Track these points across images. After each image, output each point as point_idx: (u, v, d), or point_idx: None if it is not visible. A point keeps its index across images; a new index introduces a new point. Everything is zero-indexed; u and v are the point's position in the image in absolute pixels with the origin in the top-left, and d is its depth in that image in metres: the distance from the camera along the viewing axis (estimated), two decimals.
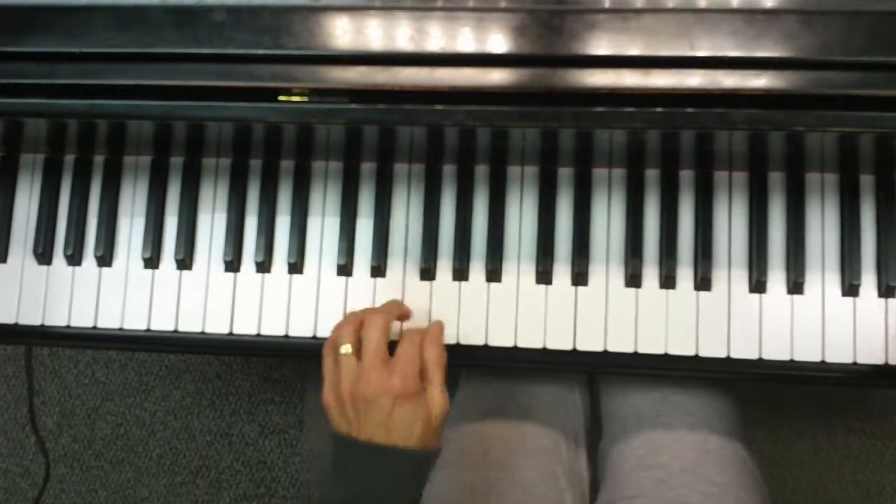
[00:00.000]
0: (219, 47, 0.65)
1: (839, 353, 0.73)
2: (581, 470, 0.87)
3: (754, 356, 0.74)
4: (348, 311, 0.78)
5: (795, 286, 0.74)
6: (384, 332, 0.69)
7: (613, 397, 0.90)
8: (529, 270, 0.77)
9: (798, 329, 0.74)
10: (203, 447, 1.48)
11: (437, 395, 0.68)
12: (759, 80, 0.62)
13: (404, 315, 0.76)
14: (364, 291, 0.78)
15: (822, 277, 0.74)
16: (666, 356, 0.75)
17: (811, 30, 0.61)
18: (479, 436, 0.84)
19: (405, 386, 0.66)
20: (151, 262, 0.80)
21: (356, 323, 0.69)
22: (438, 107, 0.65)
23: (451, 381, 0.95)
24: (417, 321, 0.77)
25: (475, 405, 0.87)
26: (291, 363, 1.47)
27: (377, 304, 0.78)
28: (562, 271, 0.76)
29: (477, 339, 0.77)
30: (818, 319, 0.74)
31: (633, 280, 0.76)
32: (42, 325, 0.81)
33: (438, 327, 0.74)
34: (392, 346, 0.69)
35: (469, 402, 0.88)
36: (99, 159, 0.82)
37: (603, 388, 0.92)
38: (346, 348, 0.68)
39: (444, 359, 0.70)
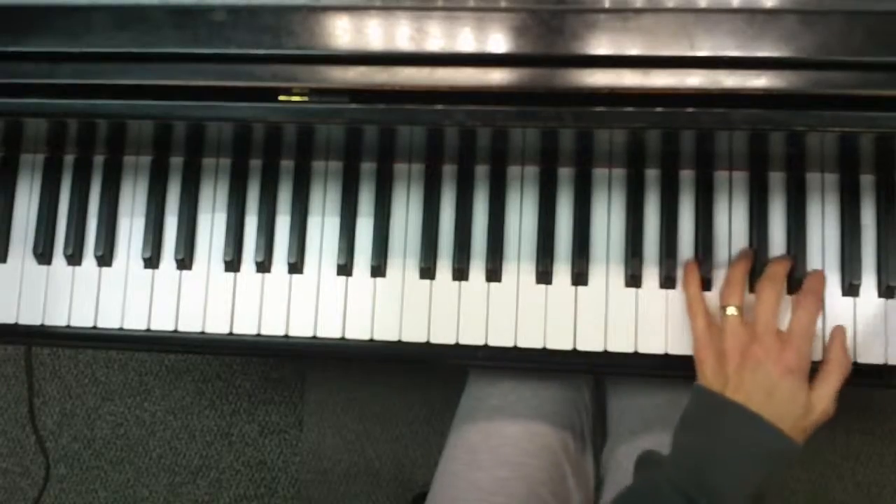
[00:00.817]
0: (219, 47, 0.65)
1: None
2: (588, 470, 0.87)
3: None
4: (347, 310, 0.78)
5: (796, 286, 0.74)
6: (780, 297, 0.69)
7: (620, 399, 0.89)
8: (529, 270, 0.77)
9: None
10: (203, 447, 1.48)
11: (827, 396, 0.67)
12: (759, 80, 0.62)
13: (787, 273, 0.73)
14: (364, 291, 0.78)
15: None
16: (666, 356, 0.75)
17: (811, 30, 0.61)
18: (487, 434, 0.84)
19: (798, 361, 0.66)
20: (151, 261, 0.80)
21: (743, 285, 0.70)
22: (438, 107, 0.65)
23: (457, 381, 0.95)
24: (417, 321, 0.77)
25: (483, 404, 0.86)
26: (291, 363, 1.47)
27: (377, 304, 0.78)
28: (562, 271, 0.76)
29: (477, 339, 0.77)
30: (818, 319, 0.73)
31: (633, 280, 0.76)
32: (42, 325, 0.81)
33: (844, 334, 0.71)
34: None
35: (477, 401, 0.88)
36: (99, 159, 0.82)
37: (610, 389, 0.92)
38: (733, 310, 0.69)
39: (849, 368, 0.69)
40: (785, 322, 0.70)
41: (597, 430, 0.92)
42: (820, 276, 0.72)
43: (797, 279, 0.73)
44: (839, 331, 0.71)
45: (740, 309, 0.69)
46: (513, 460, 0.82)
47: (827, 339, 0.72)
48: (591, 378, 0.91)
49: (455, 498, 0.81)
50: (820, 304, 0.70)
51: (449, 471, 0.84)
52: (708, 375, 0.68)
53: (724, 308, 0.70)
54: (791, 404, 0.65)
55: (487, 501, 0.79)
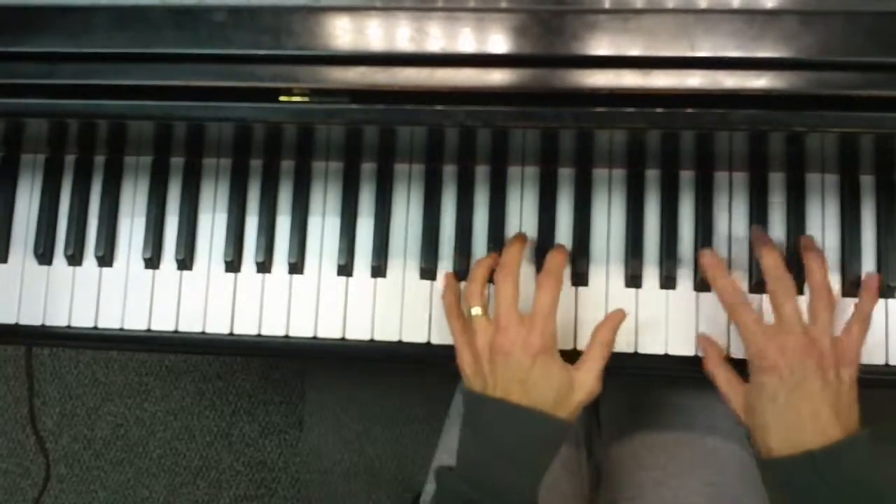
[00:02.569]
0: (219, 47, 0.65)
1: None
2: (582, 470, 0.87)
3: None
4: (347, 310, 0.78)
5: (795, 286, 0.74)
6: (516, 287, 0.68)
7: (612, 397, 0.90)
8: (529, 270, 0.77)
9: None
10: (203, 447, 1.48)
11: (591, 372, 0.68)
12: (759, 81, 0.62)
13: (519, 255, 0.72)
14: (364, 291, 0.78)
15: None
16: (666, 356, 0.75)
17: (811, 30, 0.61)
18: None
19: (544, 343, 0.66)
20: (152, 262, 0.80)
21: (482, 281, 0.70)
22: (439, 107, 0.65)
23: (452, 382, 0.95)
24: (417, 321, 0.77)
25: None
26: (291, 363, 1.47)
27: (378, 304, 0.78)
28: None
29: None
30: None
31: (633, 280, 0.76)
32: (42, 325, 0.81)
33: (620, 316, 0.71)
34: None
35: None
36: (99, 159, 0.82)
37: (603, 388, 0.92)
38: (477, 310, 0.68)
39: (611, 345, 0.69)
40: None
41: (592, 428, 0.92)
42: (560, 254, 0.71)
43: (797, 282, 0.73)
44: (613, 314, 0.71)
45: (484, 307, 0.69)
46: None
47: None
48: None
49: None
50: (560, 283, 0.69)
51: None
52: (469, 376, 0.68)
53: (469, 310, 0.70)
54: (549, 384, 0.65)
55: None
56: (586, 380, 0.67)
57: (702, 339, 0.72)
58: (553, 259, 0.70)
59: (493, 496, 0.64)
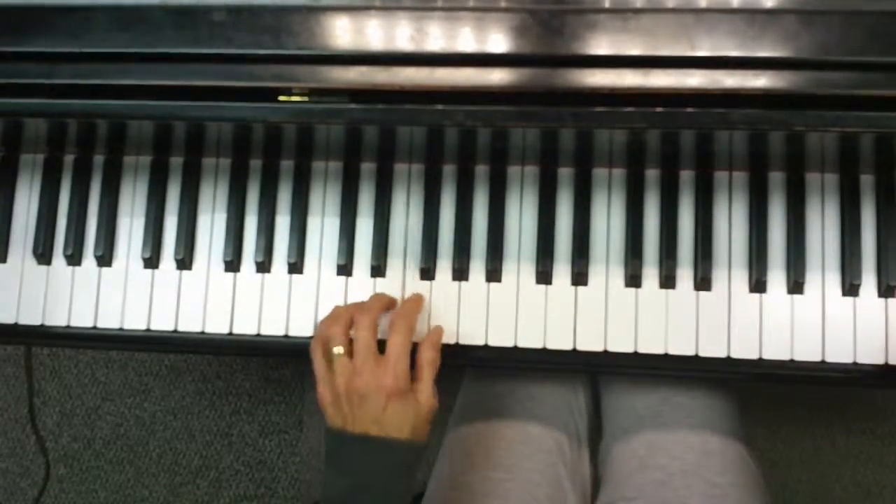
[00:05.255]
0: (219, 47, 0.65)
1: (839, 353, 0.73)
2: (584, 471, 0.87)
3: (754, 356, 0.74)
4: None
5: (795, 286, 0.74)
6: (373, 331, 0.71)
7: (614, 398, 0.89)
8: (529, 270, 0.77)
9: (798, 329, 0.74)
10: (203, 447, 1.48)
11: (426, 392, 0.71)
12: (759, 80, 0.62)
13: (390, 306, 0.76)
14: (364, 291, 0.78)
15: (823, 277, 0.74)
16: (666, 356, 0.75)
17: (811, 30, 0.61)
18: (481, 436, 0.84)
19: (396, 384, 0.69)
20: (151, 261, 0.80)
21: (346, 322, 0.72)
22: (438, 107, 0.65)
23: (453, 382, 0.95)
24: (417, 321, 0.77)
25: (478, 406, 0.87)
26: (291, 363, 1.47)
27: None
28: (562, 271, 0.76)
29: (477, 339, 0.77)
30: (818, 319, 0.74)
31: (633, 280, 0.76)
32: (42, 325, 0.81)
33: (438, 333, 0.76)
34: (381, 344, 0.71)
35: (472, 403, 0.88)
36: (99, 159, 0.82)
37: (604, 388, 0.92)
38: (339, 350, 0.71)
39: (437, 361, 0.73)
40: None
41: (593, 429, 0.92)
42: (415, 300, 0.76)
43: (797, 283, 0.73)
44: (434, 332, 0.75)
45: (347, 348, 0.70)
46: (507, 462, 0.82)
47: (826, 339, 0.72)
48: (586, 378, 0.92)
49: (449, 499, 0.81)
50: (412, 326, 0.72)
51: (444, 472, 0.84)
52: (331, 415, 0.70)
53: (332, 349, 0.71)
54: (404, 418, 0.69)
55: (482, 503, 0.79)
56: (426, 401, 0.71)
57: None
58: (407, 303, 0.76)
59: None
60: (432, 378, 0.72)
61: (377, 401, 0.68)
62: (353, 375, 0.69)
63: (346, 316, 0.72)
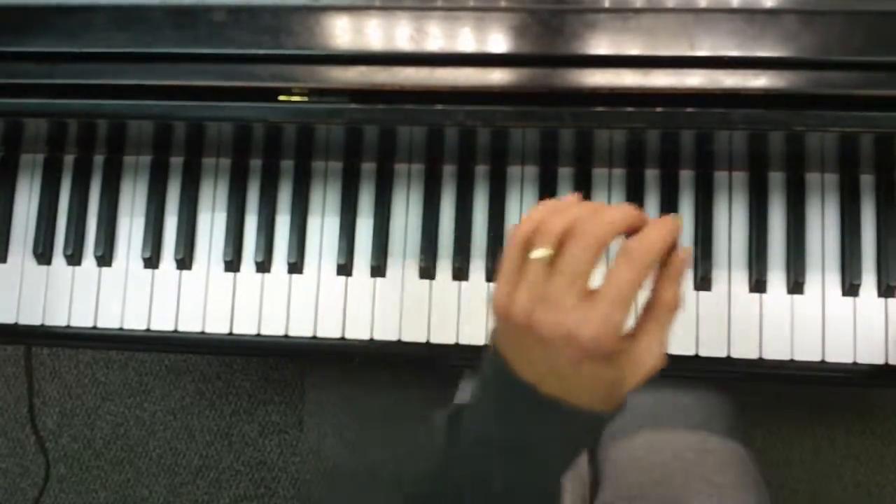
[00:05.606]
0: (219, 47, 0.65)
1: (839, 353, 0.73)
2: (582, 470, 0.87)
3: (754, 356, 0.74)
4: (347, 310, 0.78)
5: (796, 286, 0.74)
6: (596, 252, 0.48)
7: None
8: None
9: (798, 329, 0.74)
10: (203, 447, 1.48)
11: (655, 348, 0.50)
12: (759, 80, 0.62)
13: (634, 227, 0.50)
14: (364, 291, 0.78)
15: (823, 277, 0.74)
16: (665, 356, 0.75)
17: (811, 30, 0.61)
18: None
19: (599, 340, 0.47)
20: (151, 261, 0.80)
21: (568, 221, 0.48)
22: (438, 107, 0.65)
23: (451, 382, 0.95)
24: (417, 321, 0.77)
25: None
26: (291, 363, 1.47)
27: (377, 304, 0.77)
28: None
29: (477, 339, 0.77)
30: (818, 319, 0.74)
31: None
32: (42, 325, 0.81)
33: (680, 265, 0.51)
34: None
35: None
36: (99, 159, 0.82)
37: None
38: (541, 252, 0.48)
39: (679, 305, 0.51)
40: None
41: None
42: (668, 227, 0.50)
43: (797, 283, 0.73)
44: (676, 262, 0.51)
45: (551, 256, 0.49)
46: None
47: (826, 339, 0.72)
48: None
49: None
50: (651, 263, 0.49)
51: None
52: (500, 331, 0.51)
53: (534, 248, 0.49)
54: (597, 383, 0.49)
55: None
56: (650, 359, 0.50)
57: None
58: (655, 229, 0.49)
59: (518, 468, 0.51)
60: (667, 330, 0.50)
61: (565, 355, 0.47)
62: (542, 303, 0.47)
63: (572, 214, 0.49)
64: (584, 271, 0.48)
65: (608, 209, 0.50)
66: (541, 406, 0.49)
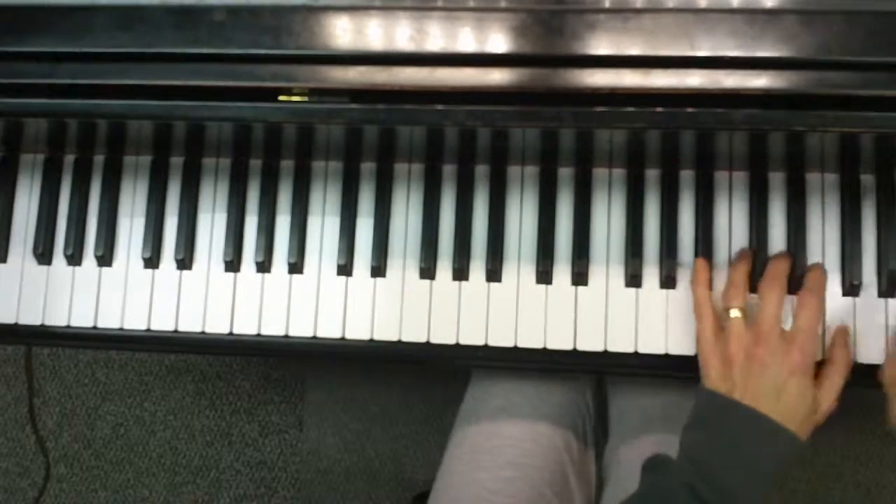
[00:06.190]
0: (219, 47, 0.65)
1: None
2: (589, 472, 0.87)
3: None
4: (347, 310, 0.78)
5: (796, 286, 0.74)
6: (781, 304, 0.69)
7: (622, 399, 0.89)
8: (529, 270, 0.77)
9: None
10: (203, 447, 1.48)
11: (830, 393, 0.68)
12: (759, 80, 0.62)
13: (788, 270, 0.72)
14: (364, 291, 0.78)
15: None
16: (667, 356, 0.75)
17: (811, 30, 0.61)
18: (490, 434, 0.84)
19: (804, 360, 0.66)
20: (151, 262, 0.80)
21: (746, 287, 0.70)
22: (438, 107, 0.65)
23: (457, 381, 0.95)
24: (417, 321, 0.77)
25: (486, 404, 0.86)
26: (291, 363, 1.47)
27: (377, 304, 0.77)
28: (562, 271, 0.76)
29: (477, 339, 0.77)
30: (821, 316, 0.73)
31: (633, 280, 0.76)
32: (42, 325, 0.81)
33: (846, 332, 0.72)
34: None
35: (480, 401, 0.88)
36: (99, 159, 0.82)
37: (611, 389, 0.92)
38: (737, 312, 0.69)
39: (850, 362, 0.70)
40: (787, 321, 0.70)
41: (599, 430, 0.92)
42: (820, 272, 0.72)
43: (798, 277, 0.73)
44: (842, 330, 0.72)
45: (743, 310, 0.69)
46: (515, 461, 0.82)
47: (827, 338, 0.72)
48: (593, 378, 0.91)
49: (457, 498, 0.81)
50: (822, 301, 0.70)
51: (451, 471, 0.84)
52: (714, 378, 0.68)
53: (727, 310, 0.70)
54: (799, 403, 0.66)
55: (490, 501, 0.79)
56: (828, 399, 0.68)
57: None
58: (814, 277, 0.71)
59: (723, 497, 0.63)
60: (843, 381, 0.69)
61: (779, 373, 0.65)
62: (757, 343, 0.67)
63: (744, 278, 0.70)
64: (778, 317, 0.68)
65: (774, 265, 0.71)
66: (757, 422, 0.65)
